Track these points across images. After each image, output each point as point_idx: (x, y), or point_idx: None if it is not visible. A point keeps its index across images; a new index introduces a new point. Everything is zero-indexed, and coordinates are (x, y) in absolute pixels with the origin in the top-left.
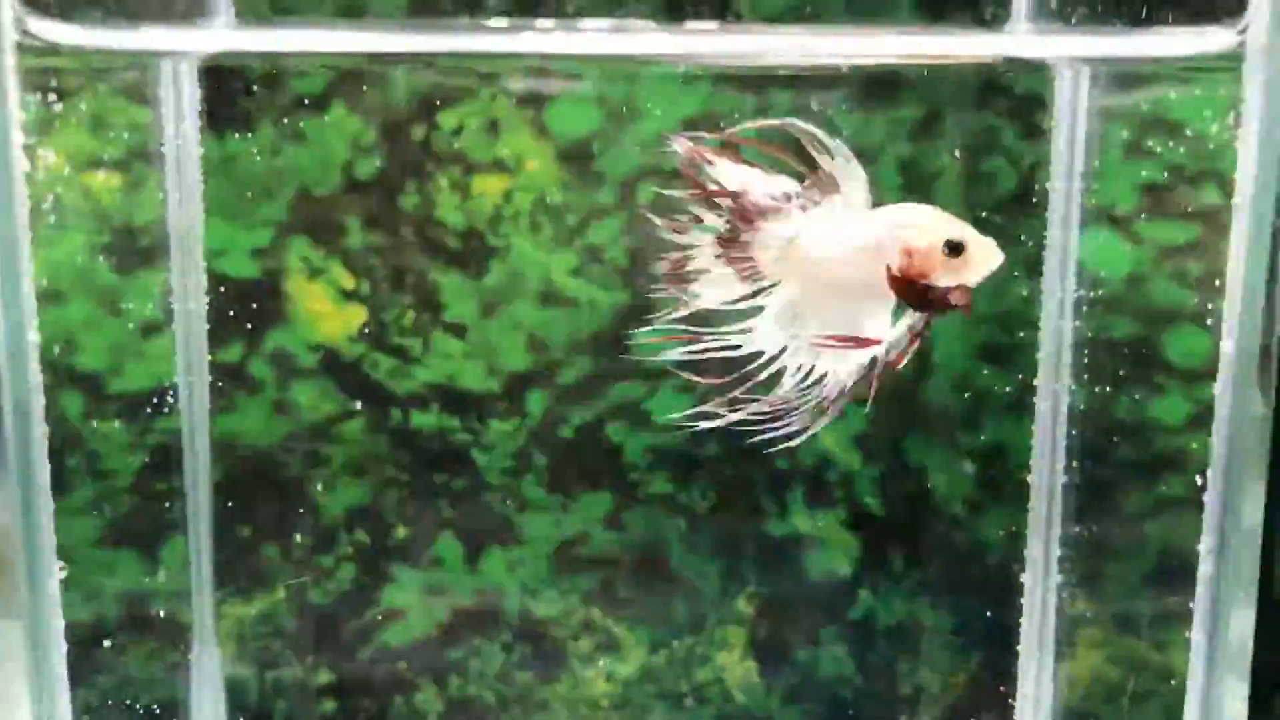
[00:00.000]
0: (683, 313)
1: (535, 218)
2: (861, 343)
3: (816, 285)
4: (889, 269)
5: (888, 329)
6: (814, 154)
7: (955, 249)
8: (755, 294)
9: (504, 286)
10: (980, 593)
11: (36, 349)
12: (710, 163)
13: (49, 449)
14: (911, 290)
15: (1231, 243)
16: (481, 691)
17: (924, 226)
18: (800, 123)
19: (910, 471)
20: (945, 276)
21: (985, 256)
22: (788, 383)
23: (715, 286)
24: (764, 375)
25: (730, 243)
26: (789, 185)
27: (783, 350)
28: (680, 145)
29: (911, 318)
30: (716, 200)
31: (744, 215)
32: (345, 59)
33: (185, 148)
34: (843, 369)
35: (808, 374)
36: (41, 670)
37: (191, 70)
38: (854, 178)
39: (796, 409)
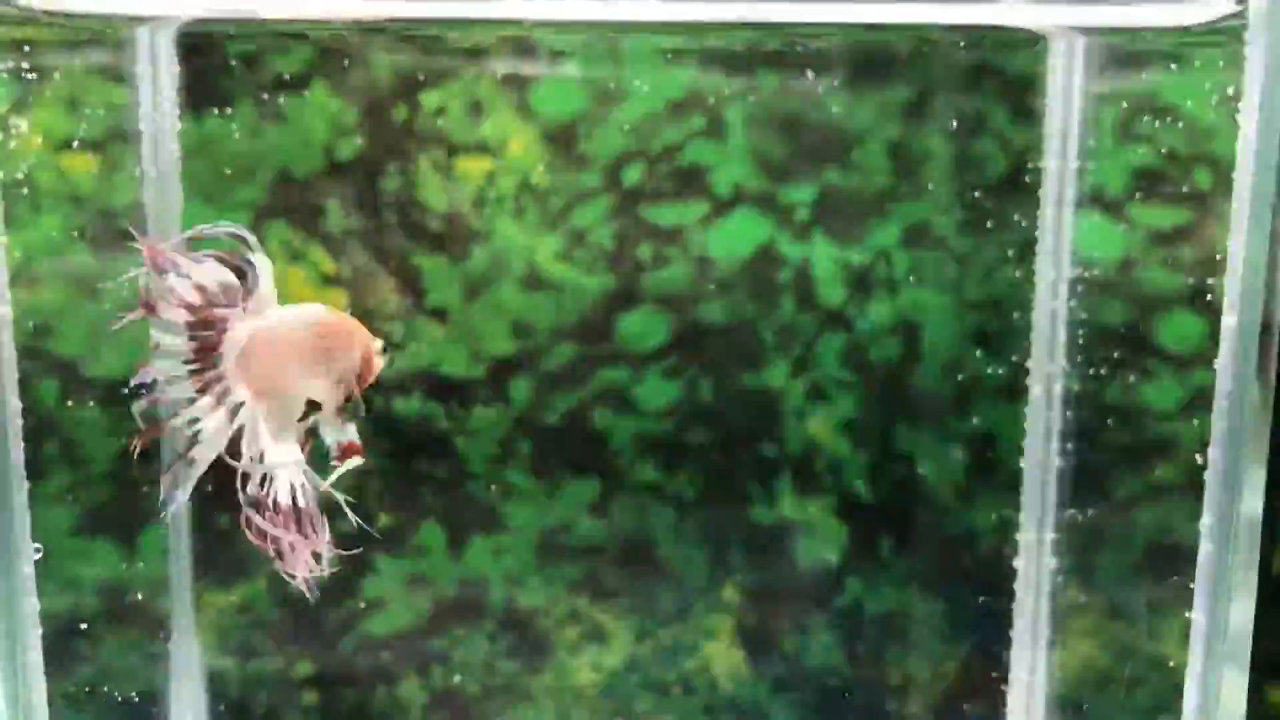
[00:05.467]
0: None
1: (520, 200)
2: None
3: (267, 388)
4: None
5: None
6: (244, 251)
7: (382, 350)
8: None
9: (487, 271)
10: (972, 579)
11: (9, 325)
12: (173, 266)
13: (24, 436)
14: (349, 395)
15: (1232, 216)
16: (466, 682)
17: (366, 335)
18: (230, 225)
19: (900, 458)
20: (366, 377)
21: (379, 360)
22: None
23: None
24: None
25: (201, 368)
26: (228, 277)
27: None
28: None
29: (333, 425)
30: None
31: (207, 327)
32: (324, 28)
33: (164, 126)
34: (286, 477)
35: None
36: (16, 656)
37: (170, 43)
38: (260, 268)
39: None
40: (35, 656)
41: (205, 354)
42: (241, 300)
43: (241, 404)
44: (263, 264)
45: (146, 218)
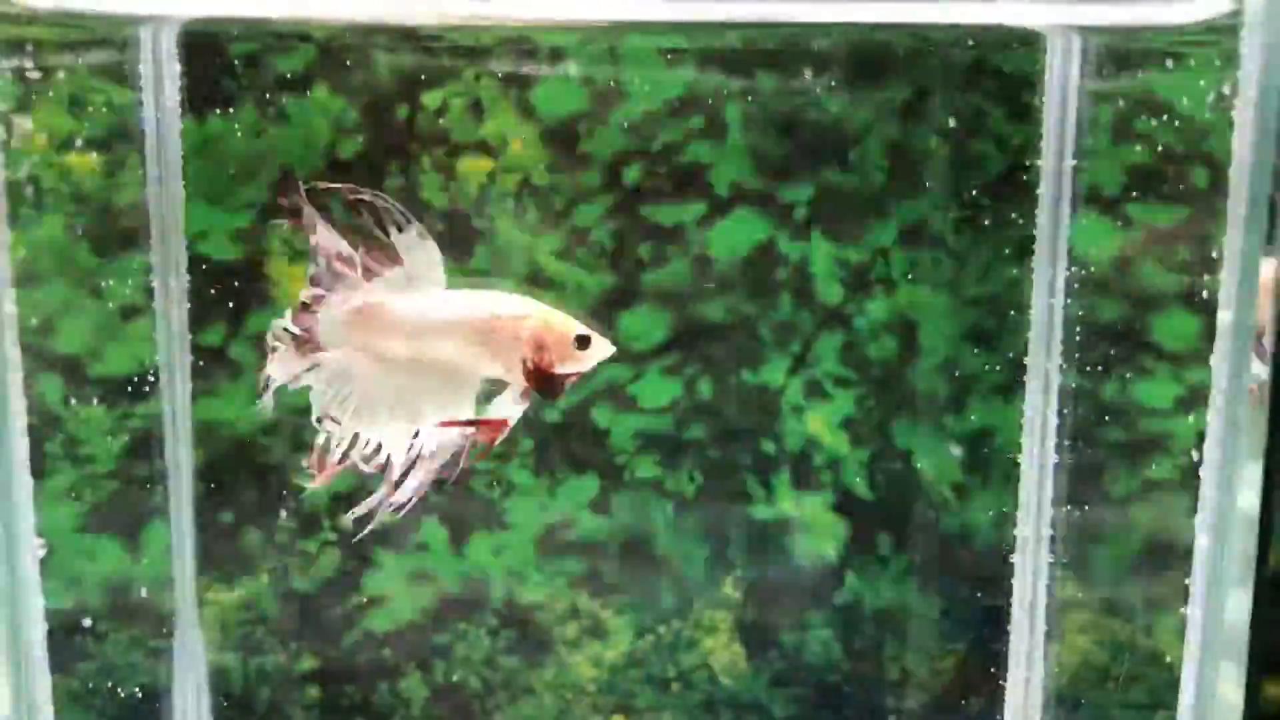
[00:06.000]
0: (265, 396)
1: (520, 199)
2: (488, 425)
3: (374, 357)
4: (524, 361)
5: (472, 413)
6: (385, 223)
7: (584, 342)
8: (310, 368)
9: (488, 269)
10: (969, 576)
11: (14, 321)
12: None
13: (29, 435)
14: (542, 378)
15: (1228, 213)
16: (467, 677)
17: (551, 323)
18: (381, 195)
19: (898, 454)
20: (569, 365)
21: (602, 348)
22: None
23: (280, 362)
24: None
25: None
26: (346, 248)
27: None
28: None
29: (506, 404)
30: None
31: (320, 280)
32: (325, 28)
33: (166, 125)
34: (398, 446)
35: (355, 444)
36: (20, 653)
37: (172, 42)
38: (427, 255)
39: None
40: (40, 654)
41: (304, 315)
42: (368, 270)
43: (314, 367)
44: (409, 243)
45: (149, 217)
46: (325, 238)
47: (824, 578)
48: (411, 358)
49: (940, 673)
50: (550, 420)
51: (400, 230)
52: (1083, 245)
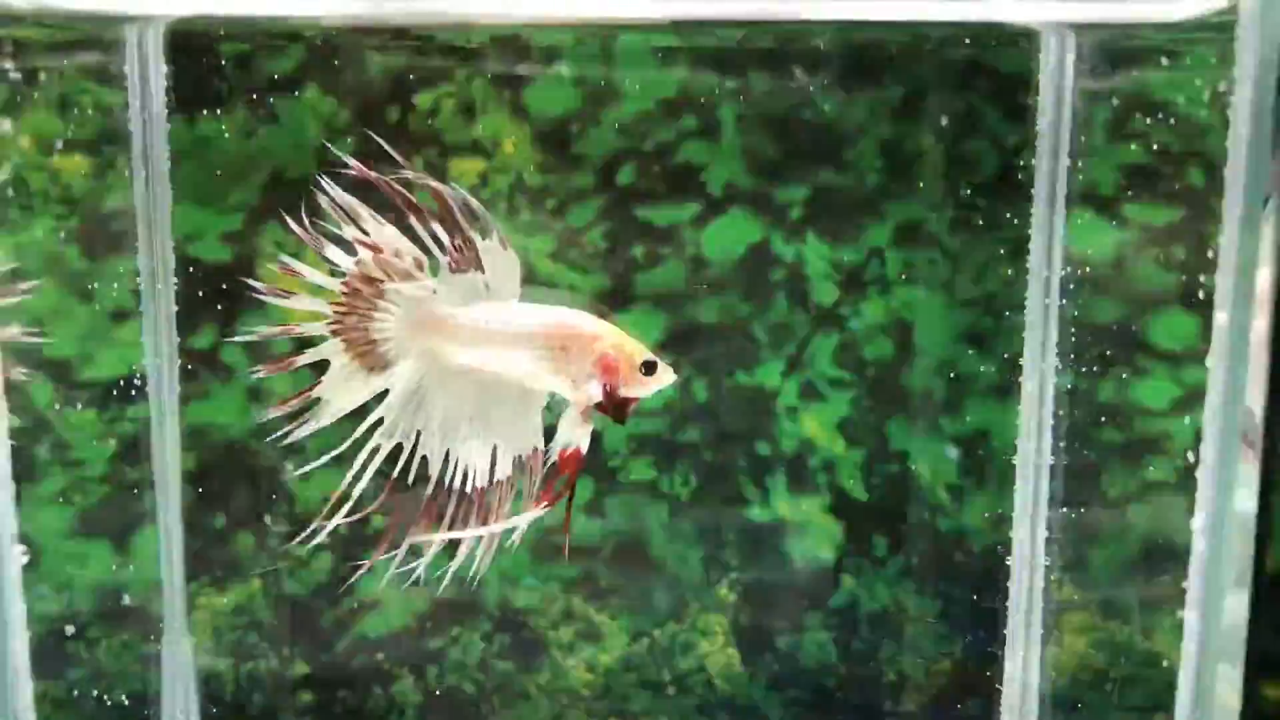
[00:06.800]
0: (313, 428)
1: (513, 200)
2: (566, 460)
3: (445, 364)
4: (604, 385)
5: (539, 429)
6: (463, 224)
7: (650, 368)
8: (379, 368)
9: None
10: (965, 577)
11: None
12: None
13: (18, 439)
14: (614, 402)
15: (1224, 212)
16: (461, 682)
17: (621, 345)
18: (468, 195)
19: (894, 456)
20: (633, 389)
21: (666, 375)
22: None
23: (340, 385)
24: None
25: (349, 309)
26: (413, 249)
27: (417, 437)
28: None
29: (573, 428)
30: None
31: (371, 276)
32: (314, 25)
33: (153, 127)
34: (479, 461)
35: (446, 461)
36: (2, 660)
37: (158, 43)
38: (506, 262)
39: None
40: (22, 661)
41: (357, 312)
42: (428, 269)
43: (388, 366)
44: (490, 249)
45: (136, 218)
46: (387, 238)
47: (820, 580)
48: (480, 368)
49: (936, 675)
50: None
51: (484, 237)
52: (1078, 245)
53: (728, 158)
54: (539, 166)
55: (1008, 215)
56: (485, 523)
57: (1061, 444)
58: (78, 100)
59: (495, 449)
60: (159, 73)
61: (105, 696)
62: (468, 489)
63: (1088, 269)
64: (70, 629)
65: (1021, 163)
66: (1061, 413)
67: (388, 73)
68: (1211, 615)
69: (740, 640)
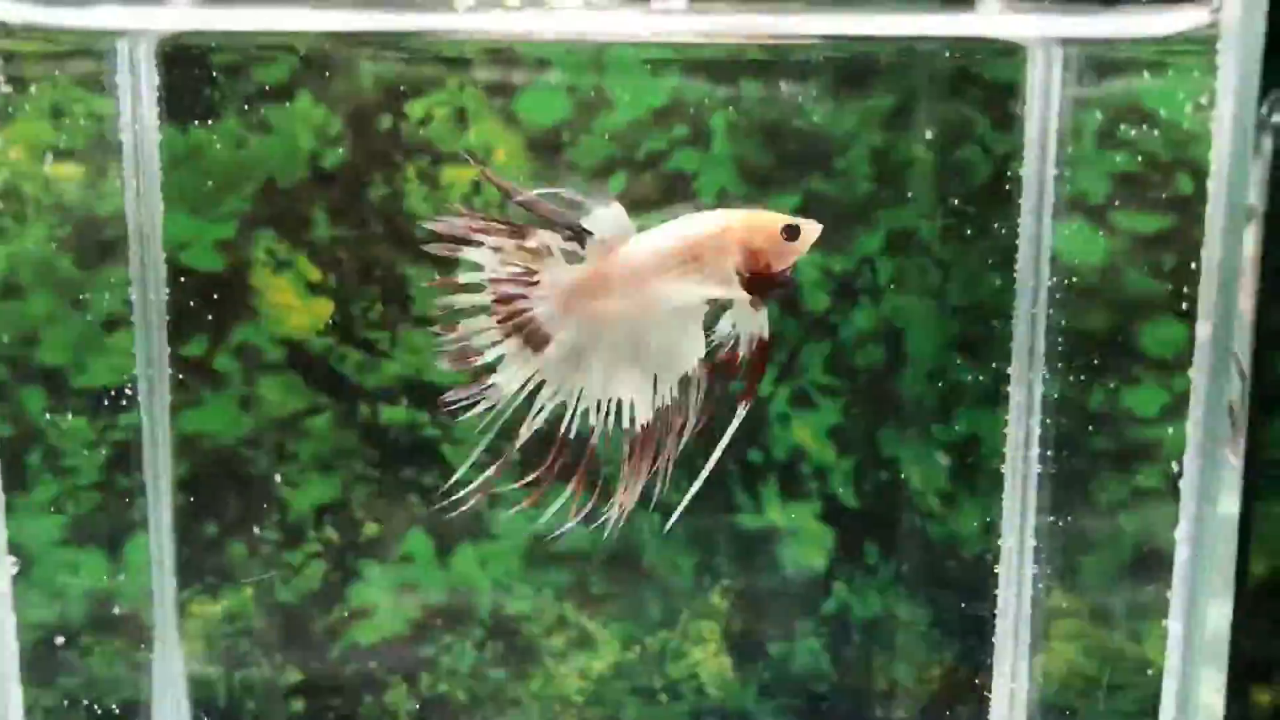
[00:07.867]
0: (486, 406)
1: (504, 208)
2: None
3: (598, 322)
4: (739, 273)
5: (700, 339)
6: (565, 215)
7: (793, 232)
8: (541, 346)
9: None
10: (955, 585)
11: None
12: (474, 233)
13: (10, 446)
14: (759, 284)
15: (1207, 222)
16: (453, 689)
17: (754, 225)
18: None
19: (885, 463)
20: (781, 260)
21: (810, 230)
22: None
23: (509, 365)
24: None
25: (508, 313)
26: (544, 238)
27: (580, 394)
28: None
29: (747, 320)
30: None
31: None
32: (305, 38)
33: (144, 136)
34: (640, 396)
35: (611, 407)
36: None
37: (150, 53)
38: (615, 217)
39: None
40: (11, 668)
41: (512, 300)
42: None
43: (548, 342)
44: (596, 216)
45: (128, 227)
46: (508, 238)
47: (811, 587)
48: (631, 308)
49: (927, 682)
50: (536, 430)
51: (583, 211)
52: (1066, 253)
53: (719, 166)
54: (531, 175)
55: (996, 224)
56: (654, 457)
57: (1050, 452)
58: (70, 109)
59: (655, 380)
60: (151, 82)
61: (96, 705)
62: (635, 428)
63: (1075, 278)
64: (61, 637)
65: (1010, 172)
66: (1050, 421)
67: (379, 81)
68: (1195, 621)
69: (732, 647)
